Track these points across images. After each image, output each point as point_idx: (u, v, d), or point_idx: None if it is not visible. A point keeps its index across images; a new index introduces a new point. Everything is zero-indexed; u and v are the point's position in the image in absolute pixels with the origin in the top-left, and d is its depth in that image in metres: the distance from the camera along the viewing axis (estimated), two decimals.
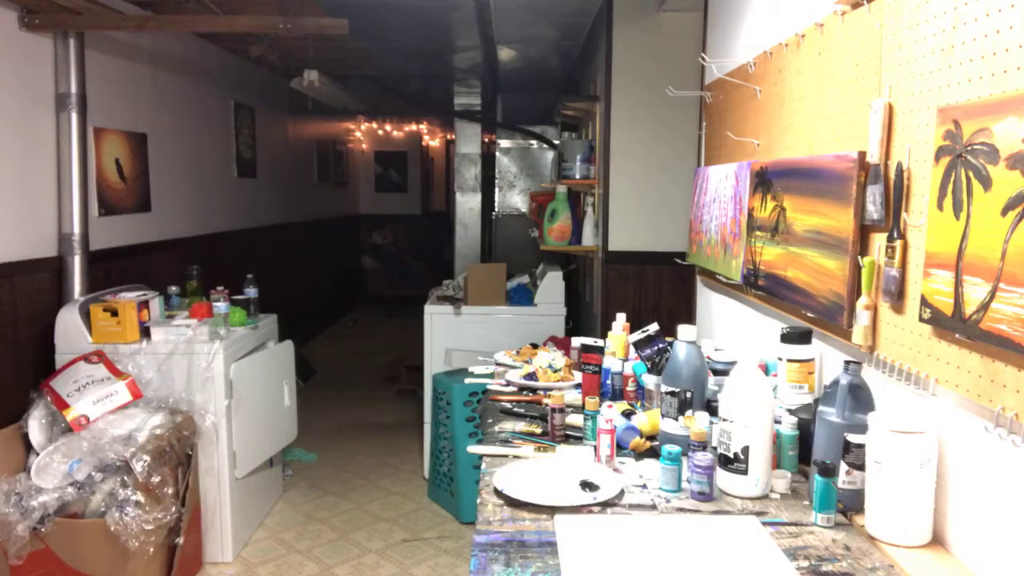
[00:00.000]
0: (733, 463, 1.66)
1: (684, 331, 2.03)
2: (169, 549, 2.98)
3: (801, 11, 2.14)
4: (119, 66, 4.02)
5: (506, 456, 1.93)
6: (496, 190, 6.92)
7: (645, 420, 2.05)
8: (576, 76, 5.93)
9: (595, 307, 4.43)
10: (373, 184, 10.85)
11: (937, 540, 1.44)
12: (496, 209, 6.88)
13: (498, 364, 2.86)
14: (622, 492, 1.69)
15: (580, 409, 2.21)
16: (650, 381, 2.24)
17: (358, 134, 10.37)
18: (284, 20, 3.46)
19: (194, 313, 3.42)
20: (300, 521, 3.81)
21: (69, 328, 3.22)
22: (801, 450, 1.78)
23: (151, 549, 2.79)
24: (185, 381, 3.23)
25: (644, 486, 1.74)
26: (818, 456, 1.64)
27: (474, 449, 2.01)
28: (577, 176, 4.41)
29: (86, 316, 3.23)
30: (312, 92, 5.14)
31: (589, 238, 4.43)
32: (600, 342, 2.39)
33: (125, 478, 2.78)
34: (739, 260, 2.49)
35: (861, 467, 1.52)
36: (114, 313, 3.21)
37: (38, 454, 2.84)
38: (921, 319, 1.44)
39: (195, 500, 3.17)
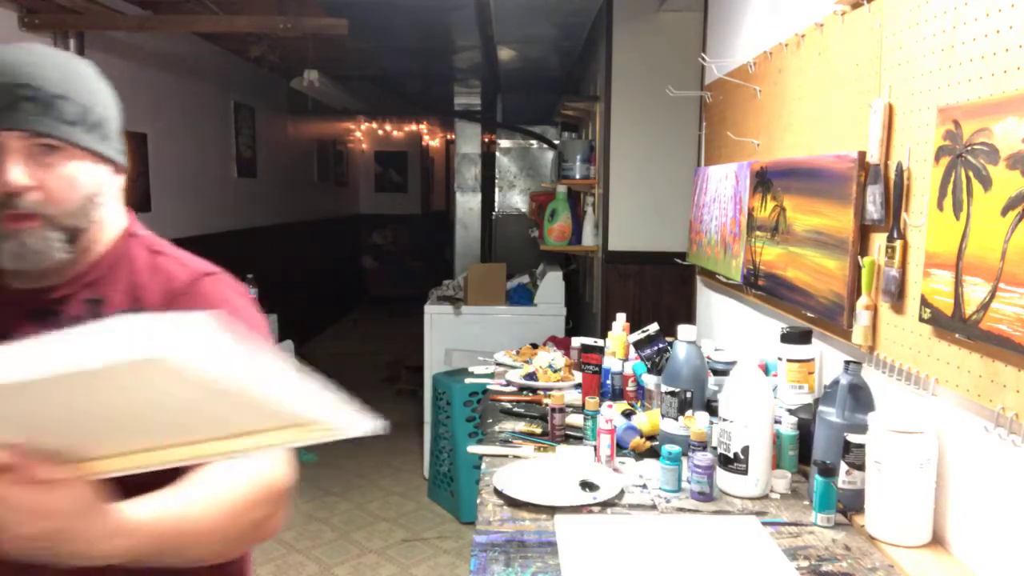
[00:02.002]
0: (733, 463, 1.66)
1: (684, 331, 2.03)
2: None
3: (801, 11, 2.14)
4: (119, 66, 4.02)
5: (506, 456, 1.93)
6: (496, 190, 6.92)
7: (645, 420, 2.05)
8: (576, 76, 5.94)
9: (595, 307, 4.43)
10: (373, 184, 10.85)
11: (937, 540, 1.44)
12: (496, 209, 6.88)
13: (498, 364, 2.86)
14: (622, 492, 1.69)
15: (580, 409, 2.21)
16: (650, 381, 2.24)
17: (358, 134, 10.37)
18: (284, 20, 3.47)
19: None
20: (300, 521, 3.81)
21: None
22: (801, 450, 1.77)
23: None
24: None
25: (644, 486, 1.74)
26: (818, 456, 1.64)
27: (474, 449, 2.01)
28: (577, 176, 4.41)
29: None
30: (312, 92, 5.14)
31: (589, 238, 4.43)
32: (600, 342, 2.39)
33: None
34: (739, 260, 2.49)
35: (861, 467, 1.52)
36: None
37: None
38: (921, 319, 1.44)
39: None
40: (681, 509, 1.62)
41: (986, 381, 1.29)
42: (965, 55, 1.36)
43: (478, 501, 1.66)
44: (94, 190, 0.99)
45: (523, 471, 1.78)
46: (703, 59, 3.04)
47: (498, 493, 1.66)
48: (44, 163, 0.93)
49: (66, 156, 0.95)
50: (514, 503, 1.63)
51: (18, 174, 0.91)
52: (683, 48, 3.78)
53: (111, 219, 1.06)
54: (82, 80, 0.99)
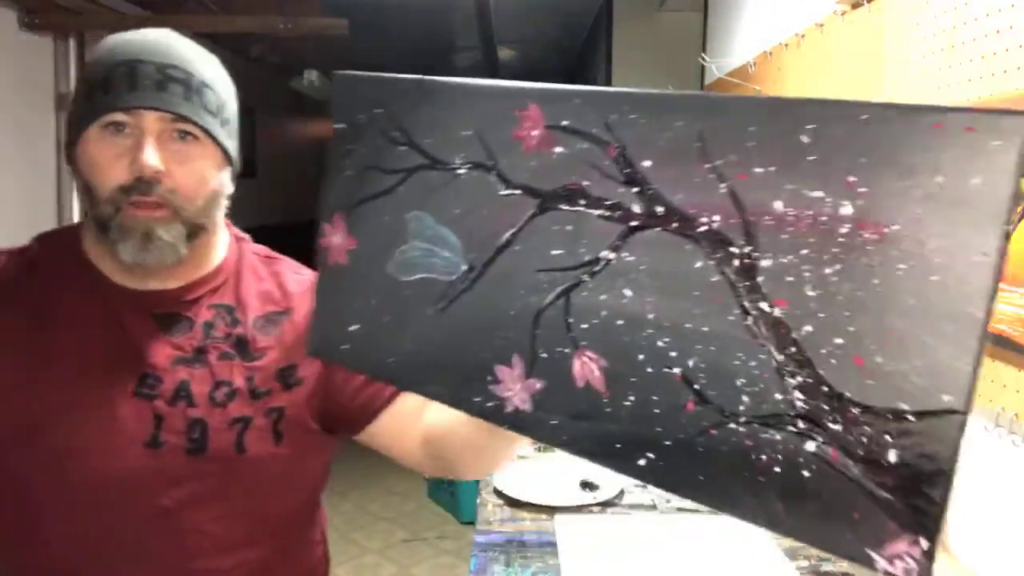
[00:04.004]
0: None
1: None
2: None
3: (801, 11, 2.14)
4: None
5: None
6: None
7: None
8: (576, 76, 5.94)
9: None
10: None
11: None
12: None
13: None
14: (622, 492, 1.69)
15: None
16: None
17: None
18: (284, 20, 3.46)
19: None
20: None
21: None
22: None
23: None
24: None
25: (644, 486, 1.74)
26: None
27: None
28: None
29: None
30: (312, 92, 5.14)
31: None
32: None
33: None
34: None
35: None
36: None
37: None
38: None
39: None
40: (681, 509, 1.62)
41: (986, 381, 1.29)
42: (965, 55, 1.36)
43: (478, 501, 1.67)
44: (219, 189, 0.93)
45: (523, 471, 1.78)
46: (703, 59, 3.04)
47: (498, 493, 1.67)
48: (178, 151, 0.88)
49: (201, 148, 0.89)
50: (514, 503, 1.63)
51: (155, 158, 0.84)
52: (683, 48, 3.77)
53: (223, 223, 1.01)
54: (222, 74, 0.95)
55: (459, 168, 0.69)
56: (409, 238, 0.73)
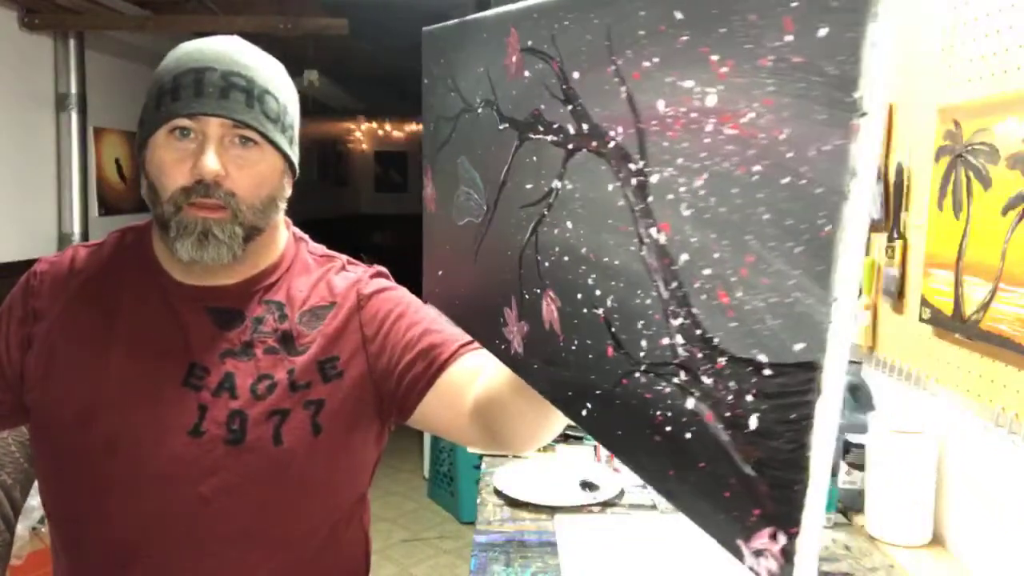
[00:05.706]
0: None
1: None
2: None
3: None
4: (119, 66, 4.02)
5: (506, 456, 1.93)
6: None
7: None
8: None
9: None
10: (373, 184, 10.85)
11: (937, 540, 1.44)
12: None
13: None
14: (622, 492, 1.69)
15: None
16: None
17: (358, 134, 10.37)
18: (284, 20, 3.46)
19: None
20: None
21: None
22: None
23: None
24: None
25: (644, 486, 1.74)
26: None
27: (474, 449, 2.01)
28: None
29: None
30: (312, 92, 5.14)
31: None
32: None
33: None
34: None
35: (861, 467, 1.52)
36: None
37: None
38: (921, 319, 1.44)
39: None
40: None
41: (986, 381, 1.29)
42: (965, 55, 1.36)
43: (478, 501, 1.67)
44: (276, 193, 0.96)
45: (523, 471, 1.78)
46: None
47: (498, 493, 1.67)
48: (239, 156, 0.91)
49: (259, 153, 0.92)
50: (514, 503, 1.63)
51: (215, 162, 0.88)
52: None
53: (282, 224, 1.04)
54: (283, 80, 0.98)
55: (479, 108, 0.67)
56: (458, 183, 0.72)
